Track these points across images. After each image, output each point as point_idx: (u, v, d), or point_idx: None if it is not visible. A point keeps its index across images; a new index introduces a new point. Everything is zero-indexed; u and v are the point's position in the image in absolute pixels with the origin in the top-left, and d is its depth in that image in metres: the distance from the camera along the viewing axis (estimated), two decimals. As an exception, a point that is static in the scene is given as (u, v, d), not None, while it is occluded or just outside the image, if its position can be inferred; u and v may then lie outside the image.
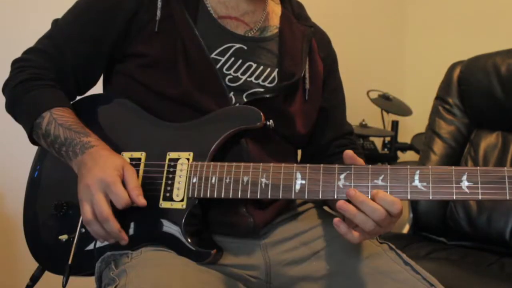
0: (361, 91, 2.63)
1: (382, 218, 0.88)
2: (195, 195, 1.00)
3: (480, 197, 0.86)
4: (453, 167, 0.88)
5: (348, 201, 0.90)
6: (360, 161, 0.94)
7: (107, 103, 1.14)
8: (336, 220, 0.90)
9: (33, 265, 1.15)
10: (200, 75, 1.09)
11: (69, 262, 1.03)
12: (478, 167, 0.87)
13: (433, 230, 1.83)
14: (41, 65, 1.11)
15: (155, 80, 1.09)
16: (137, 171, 1.03)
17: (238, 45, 1.13)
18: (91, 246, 1.05)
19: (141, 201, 0.98)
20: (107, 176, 0.96)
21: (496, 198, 0.85)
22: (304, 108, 1.18)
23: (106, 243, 1.03)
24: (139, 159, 1.05)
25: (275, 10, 1.22)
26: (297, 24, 1.22)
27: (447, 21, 2.99)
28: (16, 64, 1.14)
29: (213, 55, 1.10)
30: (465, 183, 0.87)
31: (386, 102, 2.64)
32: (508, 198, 0.85)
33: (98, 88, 1.21)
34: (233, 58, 1.12)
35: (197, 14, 1.12)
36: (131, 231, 1.03)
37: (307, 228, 1.12)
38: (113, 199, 0.96)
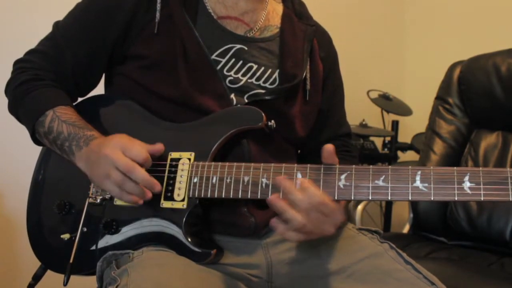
0: (361, 91, 2.63)
1: (309, 208, 0.89)
2: (196, 195, 1.00)
3: (482, 198, 0.85)
4: (455, 167, 0.88)
5: None
6: (335, 159, 0.94)
7: (109, 104, 1.15)
8: (273, 221, 0.91)
9: (33, 264, 1.15)
10: (201, 77, 1.09)
11: (71, 261, 1.04)
12: (481, 168, 0.86)
13: (433, 230, 1.83)
14: (42, 66, 1.12)
15: (155, 81, 1.09)
16: None
17: (238, 46, 1.13)
18: (92, 245, 1.05)
19: (158, 147, 1.02)
20: (119, 139, 0.99)
21: (498, 199, 0.85)
22: (304, 110, 1.18)
23: (107, 244, 1.04)
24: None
25: (277, 9, 1.22)
26: (299, 23, 1.22)
27: (447, 21, 2.99)
28: (18, 65, 1.15)
29: (213, 56, 1.10)
30: (467, 184, 0.86)
31: (386, 102, 2.64)
32: (510, 199, 0.84)
33: (100, 90, 1.21)
34: (233, 59, 1.12)
35: (197, 15, 1.12)
36: (132, 231, 1.03)
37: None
38: (132, 155, 0.97)
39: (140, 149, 0.98)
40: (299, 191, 0.90)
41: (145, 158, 0.97)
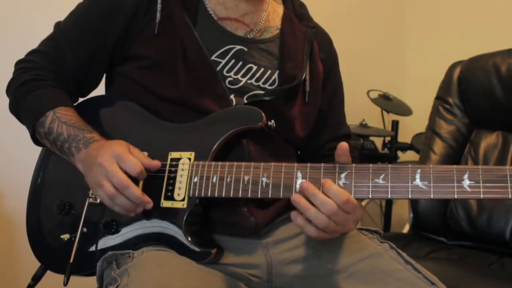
0: (361, 91, 2.64)
1: (333, 212, 0.88)
2: (196, 195, 1.00)
3: (481, 196, 0.85)
4: (454, 165, 0.88)
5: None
6: (349, 158, 0.93)
7: (109, 104, 1.15)
8: (293, 213, 0.90)
9: (33, 265, 1.15)
10: (200, 77, 1.09)
11: (71, 261, 1.04)
12: (480, 166, 0.87)
13: (433, 230, 1.83)
14: (43, 67, 1.12)
15: (155, 82, 1.09)
16: None
17: (238, 47, 1.13)
18: (92, 246, 1.05)
19: (155, 163, 1.00)
20: (116, 149, 0.97)
21: (497, 197, 0.85)
22: (304, 111, 1.18)
23: (107, 244, 1.04)
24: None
25: (277, 10, 1.22)
26: (299, 24, 1.22)
27: (447, 21, 3.00)
28: (19, 65, 1.15)
29: (213, 57, 1.10)
30: (466, 182, 0.86)
31: (386, 102, 2.65)
32: (510, 197, 0.84)
33: (101, 91, 1.22)
34: (233, 60, 1.12)
35: (197, 16, 1.12)
36: (132, 231, 1.03)
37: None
38: (127, 166, 0.96)
39: (136, 162, 0.96)
40: (322, 194, 0.89)
41: (139, 172, 0.96)
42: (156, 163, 1.00)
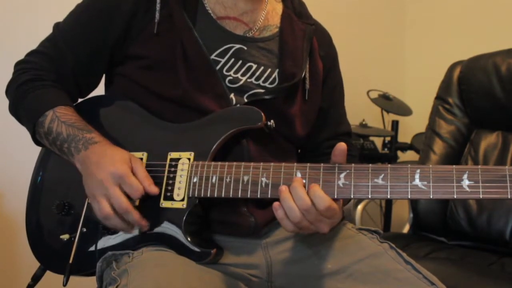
0: (361, 91, 2.64)
1: (306, 208, 0.89)
2: (196, 195, 1.00)
3: (481, 196, 0.85)
4: (453, 166, 0.88)
5: None
6: (344, 160, 0.94)
7: (108, 104, 1.15)
8: (276, 203, 0.92)
9: (33, 265, 1.15)
10: (200, 77, 1.09)
11: (70, 261, 1.04)
12: (479, 166, 0.87)
13: (433, 230, 1.83)
14: (43, 67, 1.12)
15: (155, 82, 1.09)
16: None
17: (237, 46, 1.13)
18: (92, 246, 1.05)
19: (154, 189, 0.99)
20: (118, 169, 0.97)
21: (497, 197, 0.85)
22: (304, 109, 1.18)
23: (107, 244, 1.04)
24: (141, 159, 1.05)
25: (276, 9, 1.22)
26: (298, 22, 1.22)
27: (447, 21, 3.00)
28: (18, 66, 1.15)
29: (213, 56, 1.10)
30: (466, 182, 0.86)
31: (386, 102, 2.65)
32: (509, 197, 0.84)
33: (100, 91, 1.22)
34: (233, 59, 1.12)
35: (196, 15, 1.12)
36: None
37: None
38: (128, 190, 0.97)
39: (138, 187, 0.97)
40: (303, 190, 0.90)
41: (139, 197, 0.98)
42: (156, 191, 1.00)
